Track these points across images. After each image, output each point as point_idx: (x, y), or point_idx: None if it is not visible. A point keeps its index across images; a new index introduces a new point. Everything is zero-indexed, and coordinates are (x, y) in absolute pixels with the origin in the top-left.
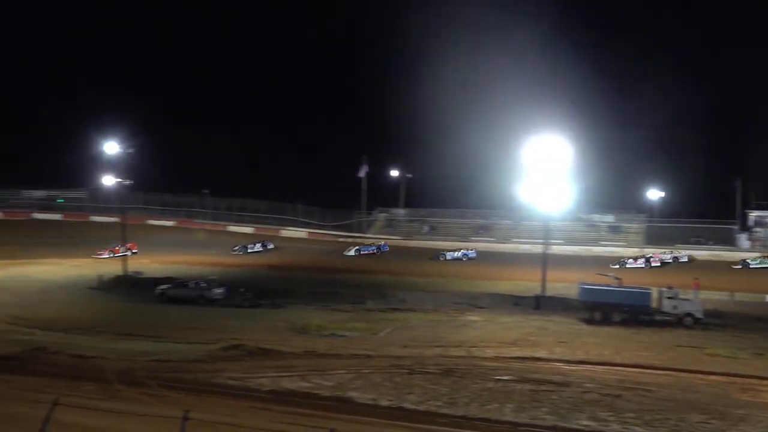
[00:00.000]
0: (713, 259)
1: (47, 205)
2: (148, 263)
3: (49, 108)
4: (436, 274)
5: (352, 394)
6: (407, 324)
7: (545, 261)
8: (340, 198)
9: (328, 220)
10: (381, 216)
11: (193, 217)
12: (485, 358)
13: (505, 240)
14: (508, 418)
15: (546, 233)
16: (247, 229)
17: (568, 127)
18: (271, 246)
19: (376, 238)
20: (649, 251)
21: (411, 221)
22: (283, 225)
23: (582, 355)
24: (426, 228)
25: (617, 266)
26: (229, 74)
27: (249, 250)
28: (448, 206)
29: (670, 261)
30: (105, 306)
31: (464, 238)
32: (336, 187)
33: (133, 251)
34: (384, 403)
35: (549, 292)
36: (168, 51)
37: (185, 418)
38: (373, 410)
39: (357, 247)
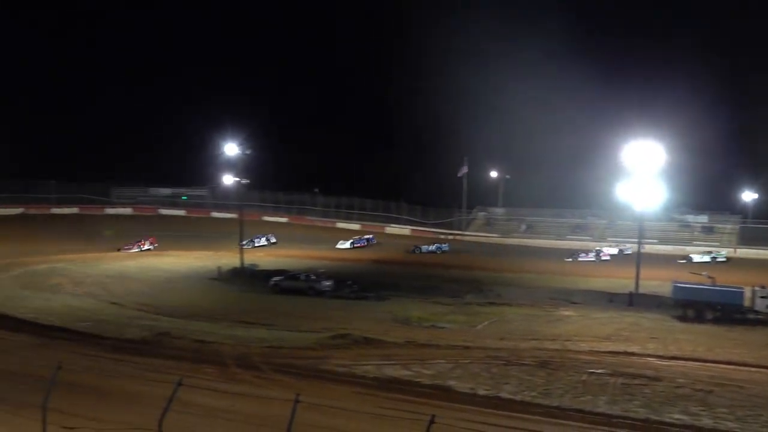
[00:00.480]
0: None
1: (172, 202)
2: (263, 256)
3: (174, 112)
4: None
5: (452, 382)
6: (504, 317)
7: (639, 259)
8: (442, 197)
9: (430, 218)
10: (480, 215)
11: (305, 214)
12: (579, 352)
13: (601, 239)
14: (601, 409)
15: (640, 233)
16: (354, 226)
17: (664, 129)
18: (273, 240)
19: (475, 236)
20: (598, 246)
21: (509, 220)
22: (387, 222)
23: (675, 351)
24: (523, 226)
25: (569, 259)
26: (337, 78)
27: (256, 244)
28: (545, 206)
29: (616, 253)
30: (223, 295)
31: (560, 237)
32: (438, 186)
33: (154, 245)
34: (482, 392)
35: (642, 290)
36: (273, 54)
37: (297, 401)
38: (471, 398)
39: (351, 240)
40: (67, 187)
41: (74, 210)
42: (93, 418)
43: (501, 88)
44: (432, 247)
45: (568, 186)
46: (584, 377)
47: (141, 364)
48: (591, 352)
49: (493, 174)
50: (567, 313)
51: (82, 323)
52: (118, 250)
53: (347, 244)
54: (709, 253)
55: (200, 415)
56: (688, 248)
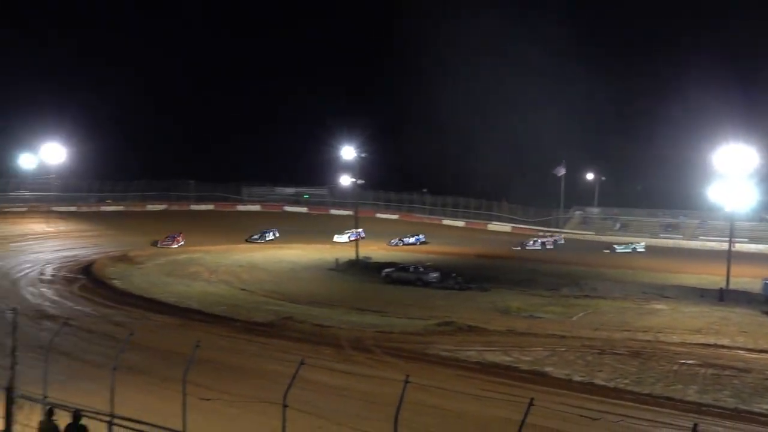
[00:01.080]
0: None
1: (296, 200)
2: (376, 250)
3: (298, 117)
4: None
5: (548, 369)
6: (598, 309)
7: (730, 257)
8: (542, 197)
9: (529, 216)
10: (576, 214)
11: (414, 212)
12: (671, 344)
13: (692, 237)
14: (691, 398)
15: (731, 232)
16: (459, 223)
17: (757, 129)
18: (277, 234)
19: (571, 233)
20: (536, 237)
21: (604, 219)
22: (489, 220)
23: (764, 344)
24: (617, 225)
25: (518, 248)
26: (441, 80)
27: (267, 238)
28: (639, 205)
29: (554, 243)
30: (340, 285)
31: (654, 235)
32: (538, 187)
33: (184, 240)
34: (577, 378)
35: (733, 287)
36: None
37: (406, 381)
38: (566, 384)
39: (348, 233)
40: (204, 186)
41: (210, 207)
42: (226, 391)
43: (598, 92)
44: (412, 240)
45: (661, 187)
46: (675, 367)
47: (268, 345)
48: (682, 344)
49: (590, 176)
50: (659, 306)
51: (217, 307)
52: (155, 244)
53: (344, 238)
54: (630, 244)
55: (319, 392)
56: None
